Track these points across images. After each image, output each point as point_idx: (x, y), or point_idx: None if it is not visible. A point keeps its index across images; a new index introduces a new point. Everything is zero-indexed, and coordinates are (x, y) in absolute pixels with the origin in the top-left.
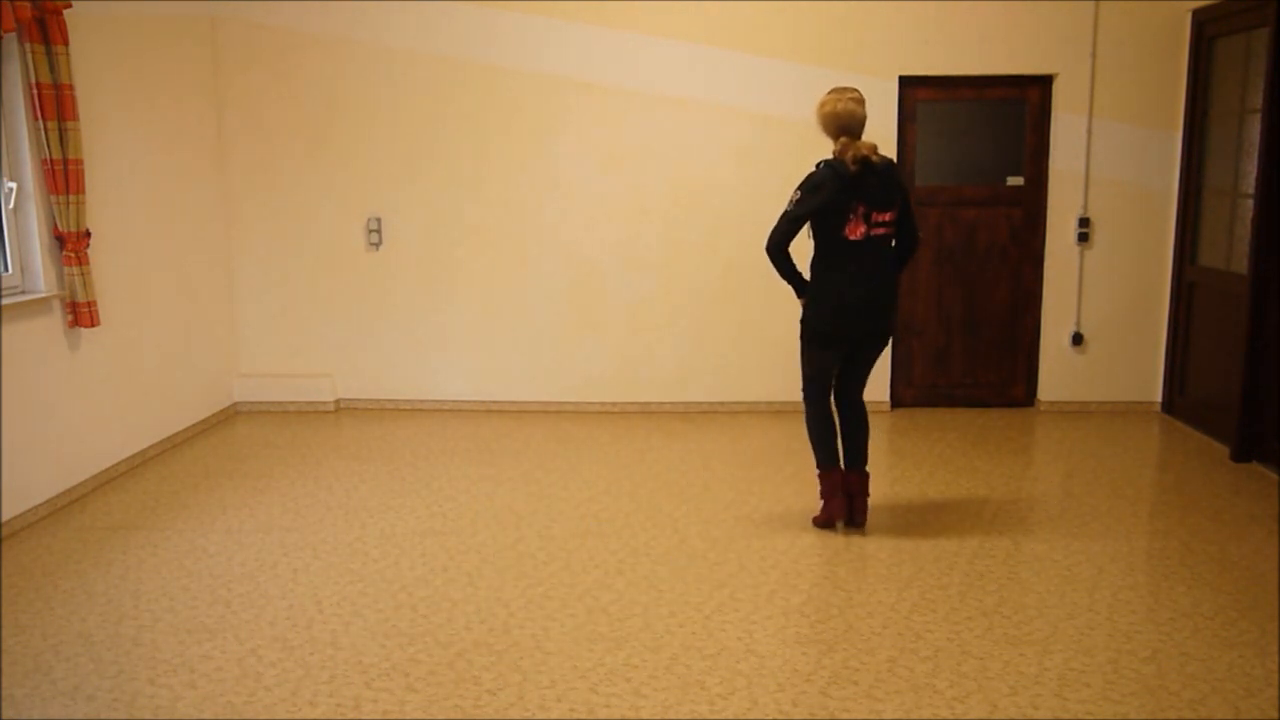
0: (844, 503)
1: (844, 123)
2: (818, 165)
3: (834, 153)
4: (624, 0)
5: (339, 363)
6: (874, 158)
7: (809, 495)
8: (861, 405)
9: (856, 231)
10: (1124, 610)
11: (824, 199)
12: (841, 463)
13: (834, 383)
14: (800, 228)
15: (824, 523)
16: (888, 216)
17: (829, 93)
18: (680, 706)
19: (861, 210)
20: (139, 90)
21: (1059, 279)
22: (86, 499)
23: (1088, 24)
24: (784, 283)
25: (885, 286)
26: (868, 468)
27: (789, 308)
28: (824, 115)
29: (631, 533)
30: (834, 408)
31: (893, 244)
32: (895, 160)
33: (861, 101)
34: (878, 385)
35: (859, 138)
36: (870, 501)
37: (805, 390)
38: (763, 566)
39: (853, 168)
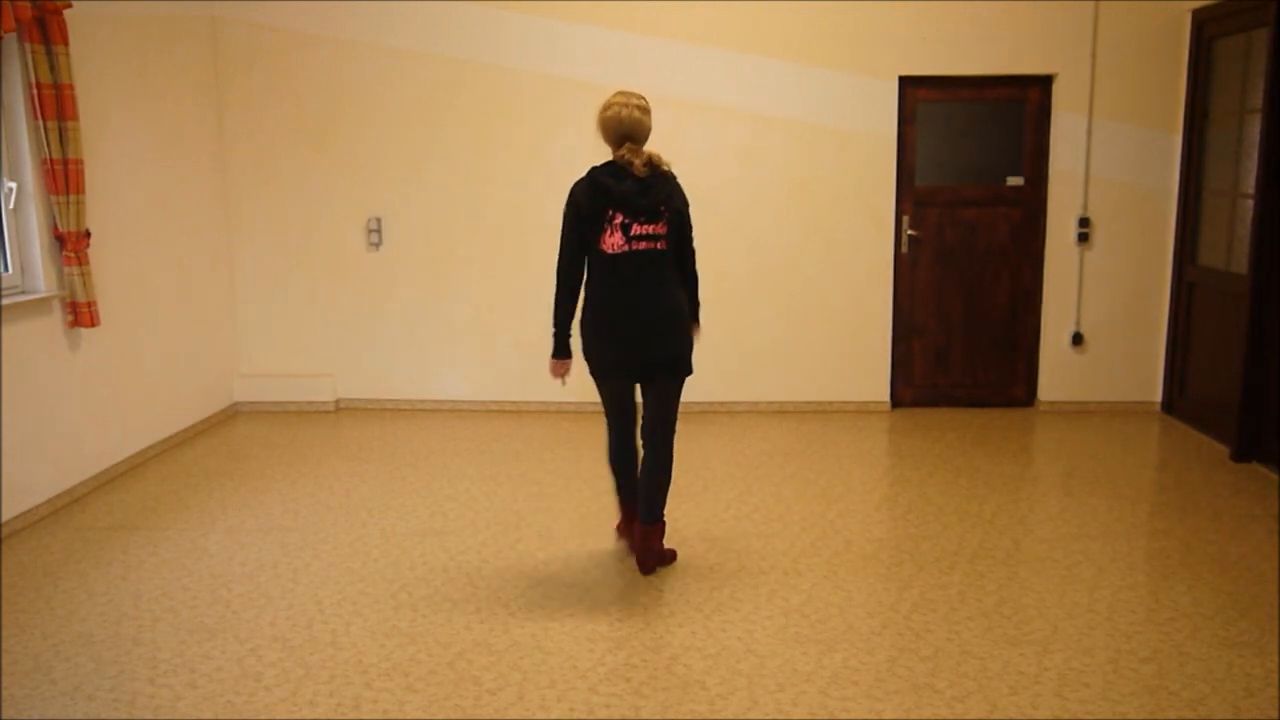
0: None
1: (628, 130)
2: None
3: (615, 158)
4: (624, 0)
5: (339, 363)
6: (661, 167)
7: (809, 495)
8: (661, 449)
9: (613, 244)
10: (1124, 610)
11: (576, 208)
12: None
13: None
14: (578, 247)
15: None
16: (651, 229)
17: (615, 95)
18: (680, 706)
19: (619, 220)
20: (139, 90)
21: (1059, 279)
22: (86, 499)
23: (1088, 24)
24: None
25: (660, 309)
26: (663, 517)
27: (789, 308)
28: (605, 119)
29: None
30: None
31: (673, 261)
32: (673, 173)
33: (647, 110)
34: (878, 385)
35: (642, 144)
36: (675, 555)
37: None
38: (762, 566)
39: (642, 172)
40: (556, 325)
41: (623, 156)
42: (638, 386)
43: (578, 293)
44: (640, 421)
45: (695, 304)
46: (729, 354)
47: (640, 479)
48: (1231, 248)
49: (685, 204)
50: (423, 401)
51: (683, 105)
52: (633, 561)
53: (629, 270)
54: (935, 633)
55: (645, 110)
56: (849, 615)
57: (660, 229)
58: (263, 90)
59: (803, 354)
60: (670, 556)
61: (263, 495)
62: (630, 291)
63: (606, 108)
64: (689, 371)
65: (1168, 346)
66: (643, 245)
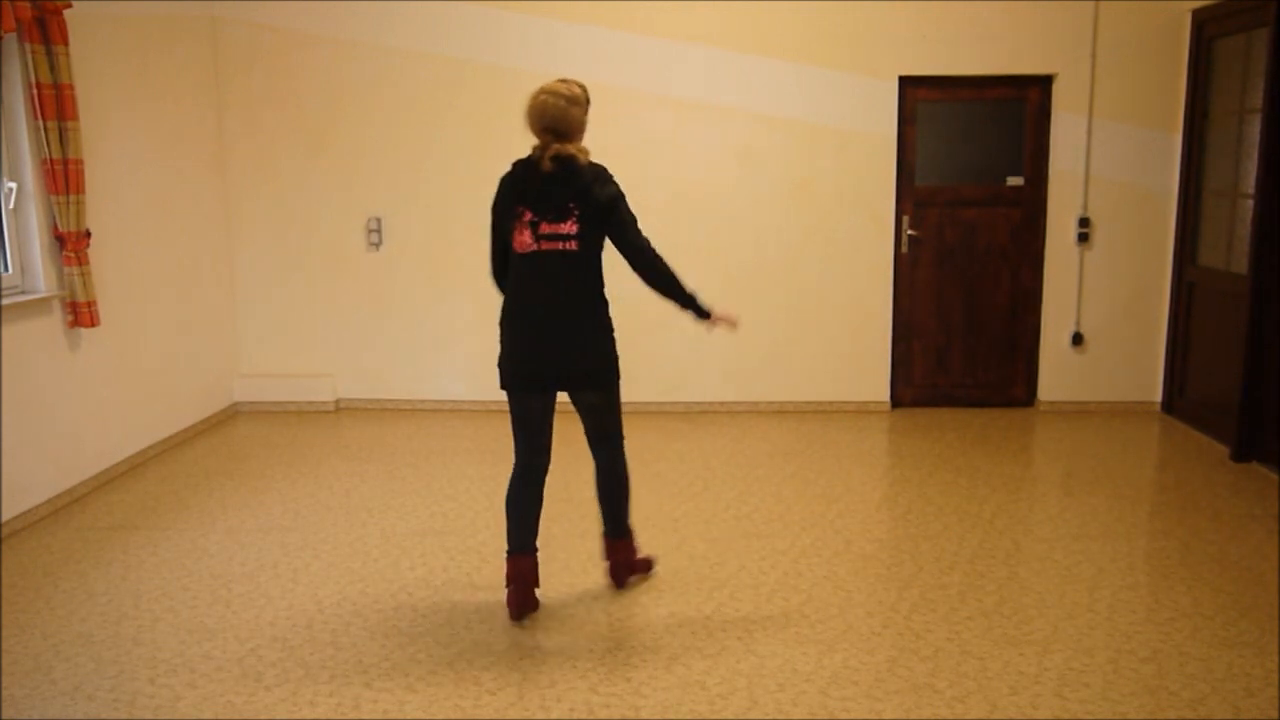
0: (522, 593)
1: (549, 121)
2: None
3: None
4: (624, 1)
5: (339, 363)
6: (577, 161)
7: (809, 495)
8: (611, 461)
9: (523, 242)
10: (1124, 610)
11: (494, 204)
12: (533, 545)
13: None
14: (499, 244)
15: (511, 615)
16: (563, 228)
17: (552, 81)
18: (680, 706)
19: (527, 217)
20: (139, 90)
21: (1059, 279)
22: (86, 499)
23: (1088, 24)
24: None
25: (565, 316)
26: (629, 527)
27: (789, 308)
28: (528, 108)
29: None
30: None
31: (589, 265)
32: (602, 167)
33: (574, 100)
34: (878, 385)
35: (568, 138)
36: (651, 564)
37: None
38: (763, 567)
39: (548, 166)
40: None
41: (535, 149)
42: (553, 421)
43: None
44: (588, 441)
45: (676, 290)
46: (729, 354)
47: (597, 493)
48: (1231, 248)
49: (612, 197)
50: (423, 401)
51: (683, 105)
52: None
53: (537, 271)
54: (935, 633)
55: (575, 101)
56: (849, 615)
57: (570, 228)
58: (263, 90)
59: (803, 354)
60: (645, 565)
61: (263, 495)
62: (536, 294)
63: (534, 96)
64: (613, 379)
65: (1168, 346)
66: (551, 245)
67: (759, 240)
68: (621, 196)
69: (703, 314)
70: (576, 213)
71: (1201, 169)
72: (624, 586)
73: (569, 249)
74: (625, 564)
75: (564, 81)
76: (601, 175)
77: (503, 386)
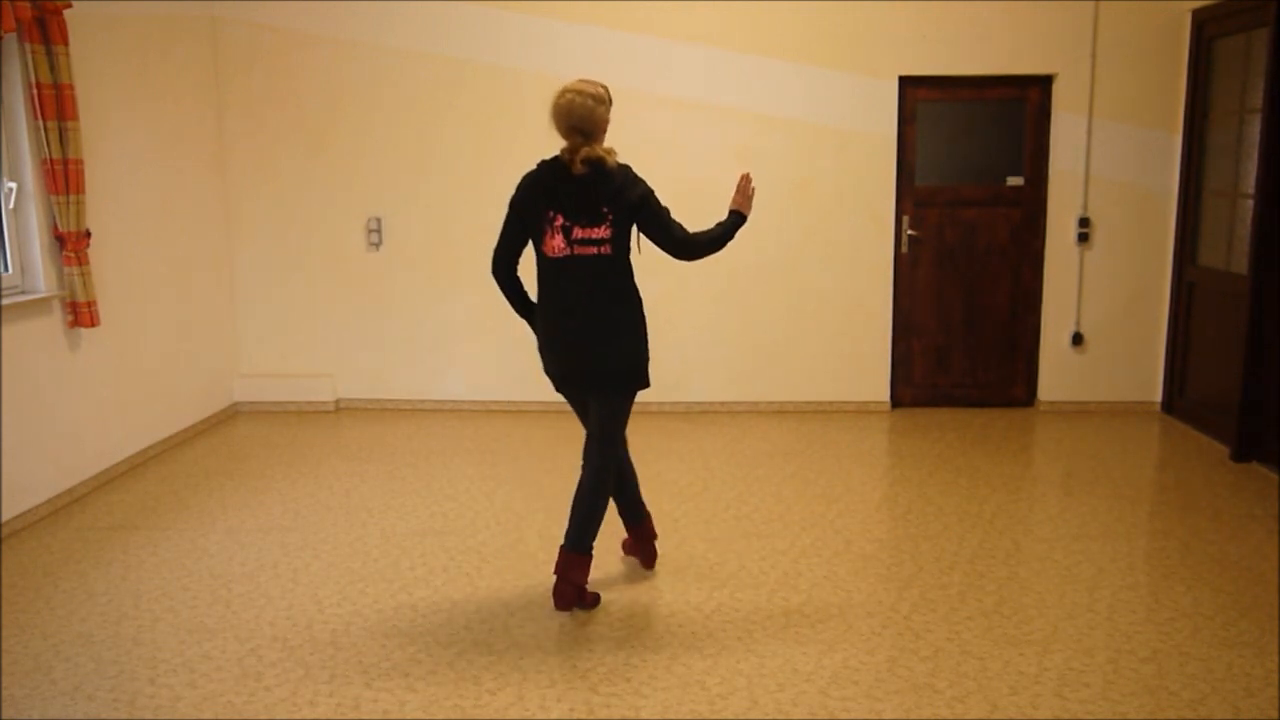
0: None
1: (577, 120)
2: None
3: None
4: (624, 1)
5: (339, 363)
6: (606, 164)
7: (809, 495)
8: (599, 471)
9: (554, 247)
10: (1124, 610)
11: (517, 204)
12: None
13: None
14: (511, 242)
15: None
16: (596, 233)
17: (574, 81)
18: (680, 706)
19: (559, 222)
20: (139, 90)
21: (1059, 279)
22: (86, 499)
23: (1088, 24)
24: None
25: (599, 319)
26: (591, 546)
27: (789, 308)
28: (555, 107)
29: None
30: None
31: (622, 267)
32: (628, 167)
33: (600, 99)
34: (878, 385)
35: (594, 138)
36: (598, 599)
37: None
38: (763, 566)
39: (579, 169)
40: (522, 315)
41: (565, 151)
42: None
43: (515, 289)
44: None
45: (722, 244)
46: (729, 354)
47: (574, 497)
48: (1231, 248)
49: (641, 195)
50: (423, 401)
51: (683, 105)
52: (635, 563)
53: (569, 275)
54: (935, 633)
55: (600, 100)
56: (849, 615)
57: (604, 232)
58: (263, 90)
59: (803, 354)
60: (592, 600)
61: (263, 495)
62: (569, 298)
63: (560, 95)
64: (636, 385)
65: (1168, 346)
66: (584, 250)
67: (759, 240)
68: (651, 192)
69: (742, 220)
70: (610, 217)
71: (1201, 169)
72: (567, 610)
73: (603, 253)
74: (576, 584)
75: (587, 81)
76: (630, 176)
77: (552, 382)
